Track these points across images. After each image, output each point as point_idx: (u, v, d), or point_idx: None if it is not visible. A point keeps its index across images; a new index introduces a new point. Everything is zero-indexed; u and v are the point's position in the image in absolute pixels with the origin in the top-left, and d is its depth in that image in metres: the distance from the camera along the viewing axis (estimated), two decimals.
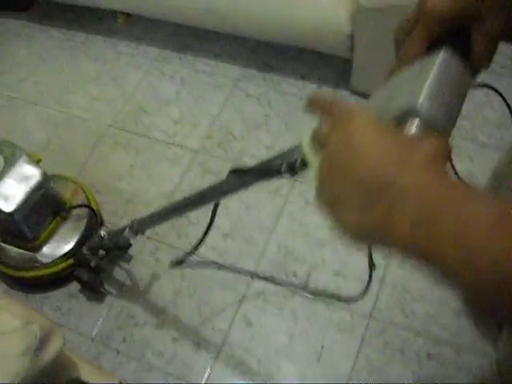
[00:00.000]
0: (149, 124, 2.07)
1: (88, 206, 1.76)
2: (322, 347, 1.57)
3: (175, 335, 1.63)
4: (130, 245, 1.73)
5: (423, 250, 0.45)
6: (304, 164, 0.68)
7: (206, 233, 1.08)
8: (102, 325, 1.67)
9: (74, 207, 1.74)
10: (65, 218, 1.73)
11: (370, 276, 1.52)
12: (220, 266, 1.71)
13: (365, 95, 1.96)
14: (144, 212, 1.43)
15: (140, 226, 1.40)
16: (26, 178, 1.56)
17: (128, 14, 2.33)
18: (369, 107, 0.60)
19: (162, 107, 2.12)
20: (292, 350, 1.58)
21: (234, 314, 1.64)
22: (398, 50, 0.63)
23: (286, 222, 1.79)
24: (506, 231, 0.41)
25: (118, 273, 1.75)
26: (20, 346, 0.96)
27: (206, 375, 1.56)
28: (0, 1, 2.47)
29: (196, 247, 1.14)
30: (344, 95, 2.02)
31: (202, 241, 1.11)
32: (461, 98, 0.56)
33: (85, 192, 1.82)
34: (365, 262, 1.48)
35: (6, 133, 1.93)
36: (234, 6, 1.94)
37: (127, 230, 1.43)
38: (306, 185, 1.82)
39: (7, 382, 0.93)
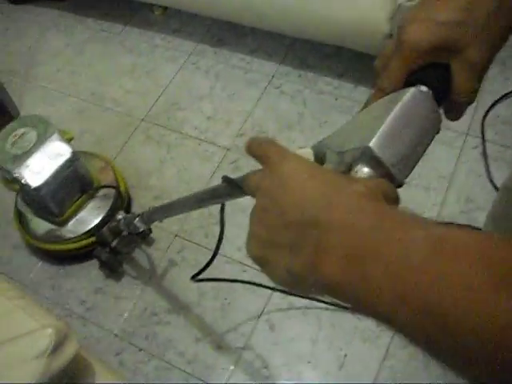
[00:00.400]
0: (181, 119, 2.06)
1: (115, 187, 1.77)
2: (345, 355, 1.54)
3: (198, 336, 1.62)
4: (145, 233, 1.72)
5: (357, 290, 0.40)
6: None
7: (218, 246, 1.06)
8: (126, 321, 1.67)
9: (102, 187, 1.76)
10: (92, 196, 1.75)
11: None
12: (245, 268, 1.69)
13: None
14: None
15: (149, 217, 1.41)
16: (56, 155, 1.58)
17: (165, 7, 2.32)
18: (326, 143, 0.56)
19: (195, 102, 2.10)
20: (314, 357, 1.55)
21: (257, 318, 1.62)
22: (376, 80, 0.59)
23: None
24: (441, 258, 0.36)
25: (144, 263, 1.75)
26: (34, 348, 0.96)
27: (226, 377, 1.55)
28: None
29: (212, 259, 1.13)
30: None
31: (215, 254, 1.09)
32: (423, 141, 0.52)
33: (115, 172, 1.83)
34: None
35: None
36: (271, 3, 1.90)
37: (138, 218, 1.45)
38: None
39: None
